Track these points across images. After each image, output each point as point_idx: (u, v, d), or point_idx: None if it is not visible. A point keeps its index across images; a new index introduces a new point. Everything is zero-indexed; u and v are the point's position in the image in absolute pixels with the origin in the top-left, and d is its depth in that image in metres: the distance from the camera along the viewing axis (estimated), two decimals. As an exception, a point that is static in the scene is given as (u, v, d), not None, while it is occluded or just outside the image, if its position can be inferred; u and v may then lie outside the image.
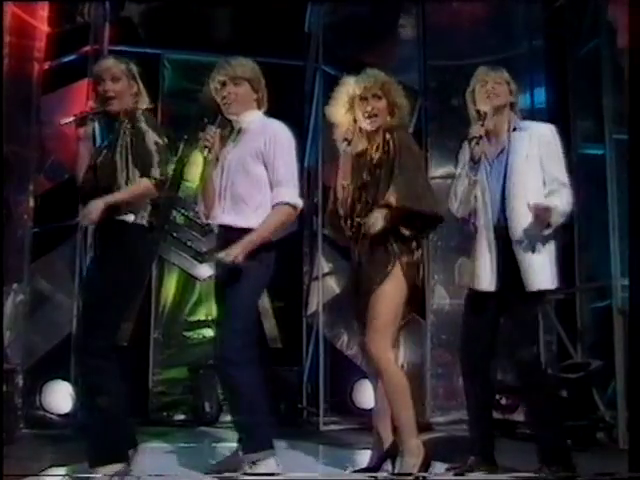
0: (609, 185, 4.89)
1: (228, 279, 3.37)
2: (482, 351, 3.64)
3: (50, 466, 3.71)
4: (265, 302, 6.45)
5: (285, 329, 6.46)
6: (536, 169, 3.50)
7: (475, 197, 3.57)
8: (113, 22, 6.23)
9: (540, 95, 5.78)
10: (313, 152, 6.55)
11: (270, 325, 6.46)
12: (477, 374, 3.68)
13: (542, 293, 3.49)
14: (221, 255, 3.26)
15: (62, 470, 3.62)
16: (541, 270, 3.44)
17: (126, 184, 3.32)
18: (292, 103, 6.57)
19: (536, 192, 3.47)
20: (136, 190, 3.32)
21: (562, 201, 3.46)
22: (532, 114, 5.70)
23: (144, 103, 3.50)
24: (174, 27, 6.35)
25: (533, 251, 3.44)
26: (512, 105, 3.64)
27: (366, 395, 5.80)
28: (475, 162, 3.52)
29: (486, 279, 3.52)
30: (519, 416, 5.03)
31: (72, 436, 4.84)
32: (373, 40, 6.35)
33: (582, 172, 5.20)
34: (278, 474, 3.27)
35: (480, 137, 3.49)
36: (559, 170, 3.53)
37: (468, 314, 3.68)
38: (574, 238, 5.25)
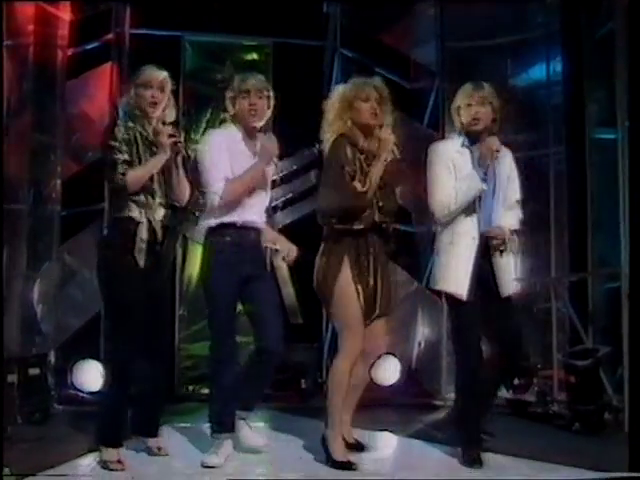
0: (620, 171, 4.97)
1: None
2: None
3: (87, 451, 3.95)
4: (286, 279, 6.62)
5: (305, 305, 6.62)
6: (510, 189, 3.96)
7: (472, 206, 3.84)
8: (134, 6, 6.33)
9: (556, 77, 5.81)
10: (332, 132, 6.64)
11: (291, 301, 6.63)
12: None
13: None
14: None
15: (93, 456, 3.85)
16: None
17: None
18: (311, 84, 6.66)
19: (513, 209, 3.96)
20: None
21: (514, 219, 3.95)
22: (548, 97, 5.78)
23: (171, 117, 3.84)
24: (194, 9, 6.43)
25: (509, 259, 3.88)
26: (495, 120, 3.90)
27: (384, 372, 6.00)
28: (485, 174, 3.71)
29: (462, 285, 3.80)
30: (531, 396, 5.22)
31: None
32: (391, 21, 6.40)
33: (596, 157, 5.28)
34: None
35: (498, 150, 3.76)
36: (517, 190, 4.01)
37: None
38: (587, 222, 5.34)
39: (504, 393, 5.31)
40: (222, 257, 3.78)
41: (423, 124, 6.32)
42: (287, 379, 6.27)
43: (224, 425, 3.87)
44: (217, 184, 3.73)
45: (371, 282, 3.83)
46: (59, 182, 6.00)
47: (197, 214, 6.56)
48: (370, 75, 5.92)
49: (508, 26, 6.00)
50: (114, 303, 3.69)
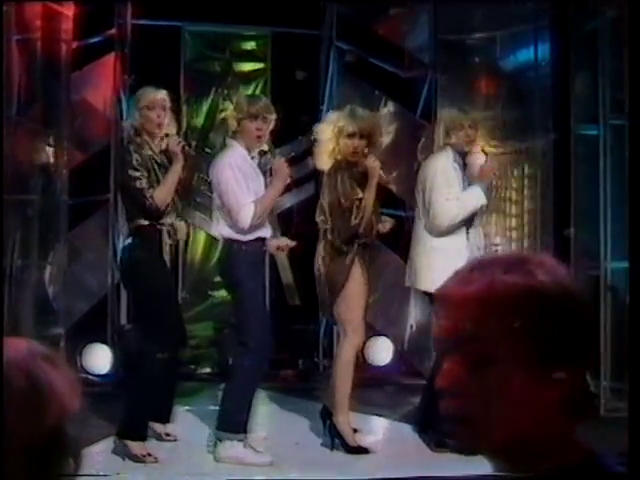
0: (601, 170, 5.21)
1: None
2: None
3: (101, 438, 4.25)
4: (284, 263, 6.90)
5: (302, 288, 6.90)
6: None
7: None
8: (135, -1, 6.48)
9: (545, 71, 5.99)
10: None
11: (289, 285, 6.91)
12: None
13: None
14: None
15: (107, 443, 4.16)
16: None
17: None
18: (308, 72, 6.87)
19: None
20: None
21: None
22: (536, 89, 5.98)
23: (173, 130, 4.20)
24: (194, 0, 6.60)
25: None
26: None
27: (377, 352, 6.30)
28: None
29: None
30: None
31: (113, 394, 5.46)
32: (386, 13, 6.58)
33: (580, 152, 5.51)
34: None
35: (496, 172, 4.59)
36: None
37: None
38: (570, 213, 5.58)
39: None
40: (255, 267, 4.18)
41: (416, 115, 6.52)
42: (285, 359, 6.58)
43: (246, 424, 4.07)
44: (246, 208, 4.01)
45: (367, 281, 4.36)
46: (65, 172, 6.21)
47: (198, 200, 6.91)
48: (366, 69, 6.14)
49: (500, 20, 6.18)
50: (149, 302, 4.08)
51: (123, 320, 6.15)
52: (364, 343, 6.39)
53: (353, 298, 4.26)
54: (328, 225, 4.26)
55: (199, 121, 6.94)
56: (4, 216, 5.42)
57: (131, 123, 4.13)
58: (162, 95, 4.10)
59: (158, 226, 4.03)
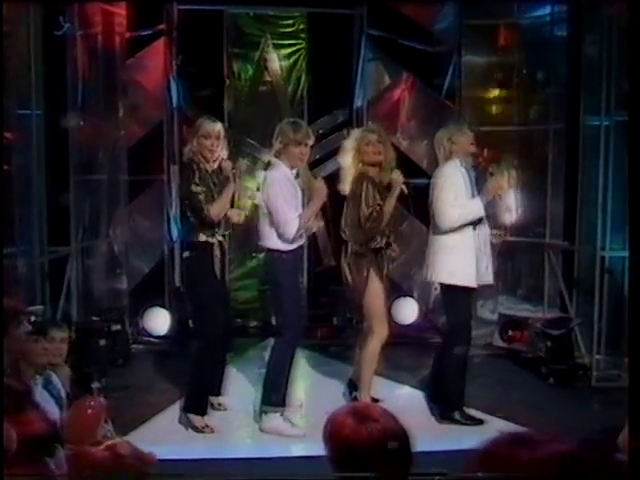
0: (602, 162, 5.70)
1: None
2: None
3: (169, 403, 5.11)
4: (320, 225, 7.60)
5: (336, 251, 7.58)
6: None
7: None
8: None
9: (561, 60, 6.41)
10: (361, 94, 7.37)
11: (325, 247, 7.62)
12: None
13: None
14: None
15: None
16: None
17: None
18: (342, 50, 7.35)
19: None
20: None
21: None
22: (552, 77, 6.42)
23: (225, 155, 4.84)
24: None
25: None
26: None
27: (403, 312, 6.99)
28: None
29: (473, 278, 5.06)
30: (521, 346, 6.23)
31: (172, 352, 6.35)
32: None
33: (587, 142, 5.99)
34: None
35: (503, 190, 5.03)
36: None
37: None
38: (577, 198, 6.12)
39: (498, 342, 6.34)
40: (294, 272, 4.90)
41: (441, 95, 7.01)
42: (321, 315, 7.34)
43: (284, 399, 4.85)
44: (292, 222, 4.68)
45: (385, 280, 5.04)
46: (124, 151, 6.91)
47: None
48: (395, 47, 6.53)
49: (522, 6, 6.57)
50: (204, 304, 4.82)
51: (178, 282, 6.93)
52: (391, 303, 7.14)
53: (376, 297, 4.94)
54: (347, 231, 4.92)
55: (242, 97, 7.53)
56: (75, 193, 6.24)
57: (190, 148, 4.79)
58: (218, 127, 4.75)
59: (210, 241, 4.72)
